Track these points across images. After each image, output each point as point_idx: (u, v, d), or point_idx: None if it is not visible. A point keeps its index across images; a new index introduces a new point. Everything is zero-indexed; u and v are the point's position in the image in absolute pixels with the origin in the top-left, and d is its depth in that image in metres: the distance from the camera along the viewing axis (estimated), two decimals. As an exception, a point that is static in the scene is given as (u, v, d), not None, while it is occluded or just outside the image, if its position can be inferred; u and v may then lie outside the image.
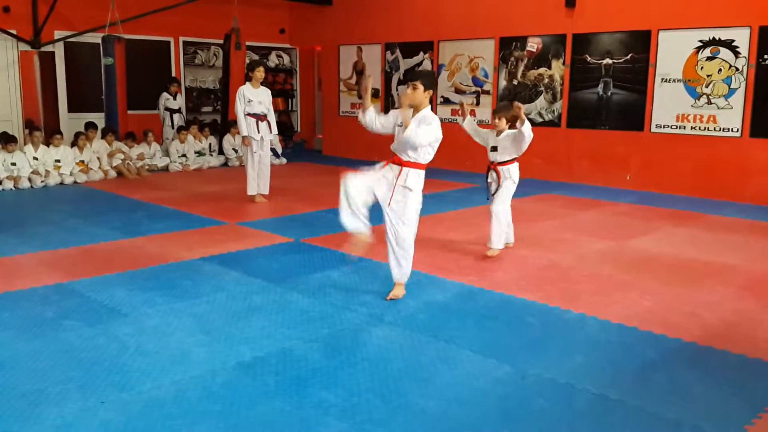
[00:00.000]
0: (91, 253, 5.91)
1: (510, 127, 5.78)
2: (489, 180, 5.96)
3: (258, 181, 8.39)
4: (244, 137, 8.27)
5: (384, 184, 4.61)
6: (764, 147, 8.58)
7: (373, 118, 4.76)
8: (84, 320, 4.22)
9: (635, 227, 7.15)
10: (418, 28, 12.02)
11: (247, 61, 11.70)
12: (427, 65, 11.97)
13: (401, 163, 4.58)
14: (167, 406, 3.13)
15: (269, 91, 8.44)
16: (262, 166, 8.38)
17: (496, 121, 5.82)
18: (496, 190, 5.85)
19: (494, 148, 5.85)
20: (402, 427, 2.99)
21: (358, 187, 4.54)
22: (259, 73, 8.21)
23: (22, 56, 10.49)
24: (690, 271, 5.53)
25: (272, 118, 8.43)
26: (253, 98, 8.19)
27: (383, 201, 4.61)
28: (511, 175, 5.85)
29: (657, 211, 8.10)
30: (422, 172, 4.64)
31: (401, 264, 4.69)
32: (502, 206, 5.81)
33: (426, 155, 4.61)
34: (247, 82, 8.31)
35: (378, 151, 11.30)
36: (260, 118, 8.24)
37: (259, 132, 8.24)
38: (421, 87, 4.54)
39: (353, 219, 4.54)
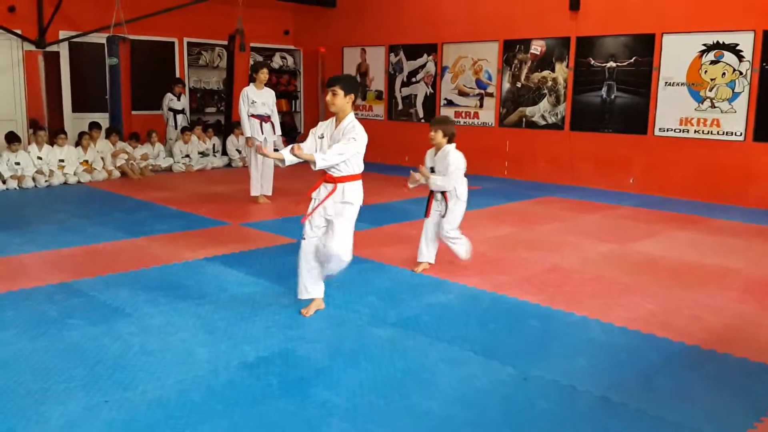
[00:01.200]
0: (94, 252, 5.93)
1: (448, 142, 5.27)
2: (437, 199, 5.42)
3: (261, 182, 8.41)
4: (247, 138, 8.30)
5: (322, 214, 4.36)
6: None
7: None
8: (88, 320, 4.24)
9: (638, 230, 7.15)
10: (422, 31, 12.03)
11: (252, 62, 11.73)
12: (430, 67, 11.99)
13: (334, 180, 4.31)
14: (171, 405, 3.15)
15: (273, 93, 8.47)
16: (265, 167, 8.40)
17: (432, 133, 5.25)
18: (445, 211, 5.35)
19: (432, 170, 5.34)
20: (404, 427, 3.00)
21: (309, 256, 4.40)
22: (263, 74, 8.24)
23: (27, 56, 10.52)
24: (693, 274, 5.53)
25: (276, 119, 8.46)
26: (257, 99, 8.22)
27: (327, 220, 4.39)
28: (457, 193, 5.33)
29: (660, 214, 8.09)
30: (359, 183, 4.39)
31: (328, 276, 4.51)
32: (454, 231, 5.39)
33: (357, 165, 4.34)
34: (251, 84, 8.33)
35: (380, 152, 11.35)
36: (264, 119, 8.27)
37: (262, 133, 8.27)
38: (341, 92, 4.24)
39: (315, 284, 4.45)
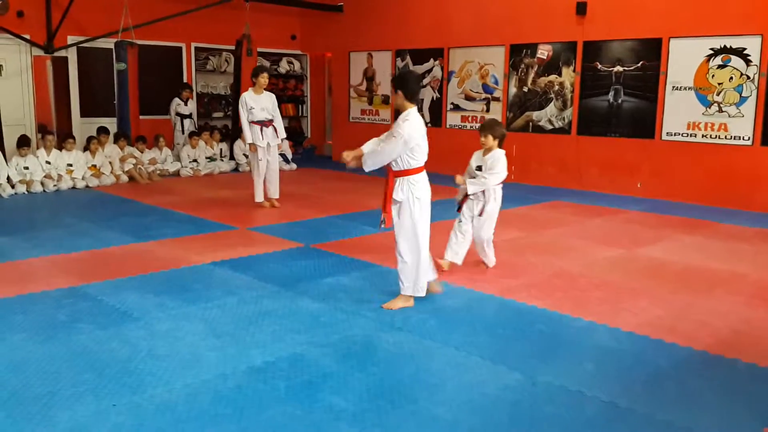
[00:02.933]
0: (103, 256, 5.95)
1: (499, 145, 5.42)
2: (476, 198, 5.52)
3: (268, 187, 8.40)
4: (249, 145, 8.27)
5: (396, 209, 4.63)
6: (776, 155, 8.56)
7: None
8: (96, 323, 4.25)
9: (645, 235, 7.13)
10: (429, 35, 12.04)
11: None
12: (437, 72, 11.99)
13: (395, 175, 4.52)
14: (179, 409, 3.16)
15: (273, 96, 8.38)
16: (270, 172, 8.37)
17: (483, 139, 5.40)
18: (481, 211, 5.47)
19: (479, 168, 5.45)
20: (412, 432, 3.00)
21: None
22: (263, 79, 8.17)
23: (36, 61, 10.58)
24: (700, 279, 5.52)
25: (279, 122, 8.36)
26: (255, 105, 8.14)
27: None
28: (496, 195, 5.49)
29: (667, 219, 8.07)
30: (418, 177, 4.53)
31: (400, 277, 4.65)
32: (491, 231, 5.54)
33: (409, 160, 4.48)
34: (250, 89, 8.27)
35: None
36: (265, 124, 8.22)
37: (264, 138, 8.22)
38: (400, 93, 4.56)
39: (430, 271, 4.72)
